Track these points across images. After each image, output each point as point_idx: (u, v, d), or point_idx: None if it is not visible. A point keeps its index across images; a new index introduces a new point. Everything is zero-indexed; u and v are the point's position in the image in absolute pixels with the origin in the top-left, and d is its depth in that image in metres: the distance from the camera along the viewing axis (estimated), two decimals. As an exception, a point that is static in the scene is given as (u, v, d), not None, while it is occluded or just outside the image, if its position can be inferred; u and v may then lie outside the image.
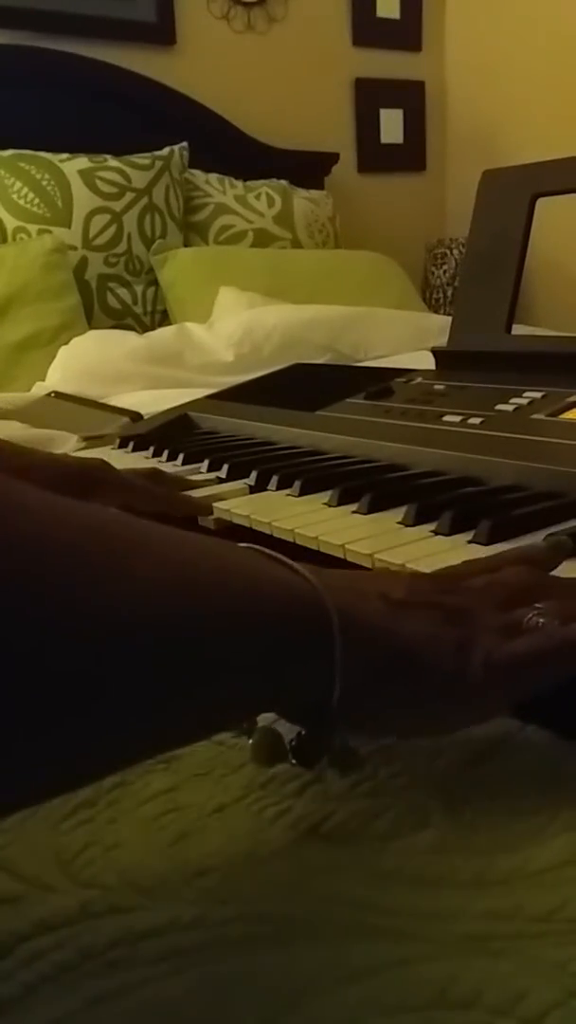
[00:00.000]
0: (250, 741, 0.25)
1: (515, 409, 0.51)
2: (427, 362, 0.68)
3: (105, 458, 0.46)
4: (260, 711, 0.23)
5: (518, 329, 0.65)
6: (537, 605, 0.25)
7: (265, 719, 0.25)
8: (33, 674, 0.16)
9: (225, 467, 0.52)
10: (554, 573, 0.30)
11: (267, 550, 0.23)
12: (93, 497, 0.42)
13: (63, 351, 1.23)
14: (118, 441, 0.67)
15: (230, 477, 0.51)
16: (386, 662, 0.22)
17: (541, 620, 0.25)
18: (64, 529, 0.17)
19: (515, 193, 0.65)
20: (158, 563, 0.19)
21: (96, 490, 0.43)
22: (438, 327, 1.32)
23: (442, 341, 0.70)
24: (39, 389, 1.16)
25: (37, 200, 1.43)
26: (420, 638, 0.23)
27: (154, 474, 0.48)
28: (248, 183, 1.68)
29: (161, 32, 1.66)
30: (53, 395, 1.07)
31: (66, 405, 1.00)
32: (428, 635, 0.23)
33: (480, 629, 0.24)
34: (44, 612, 0.16)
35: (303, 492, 0.45)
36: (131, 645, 0.17)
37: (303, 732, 0.24)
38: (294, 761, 0.24)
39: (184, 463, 0.57)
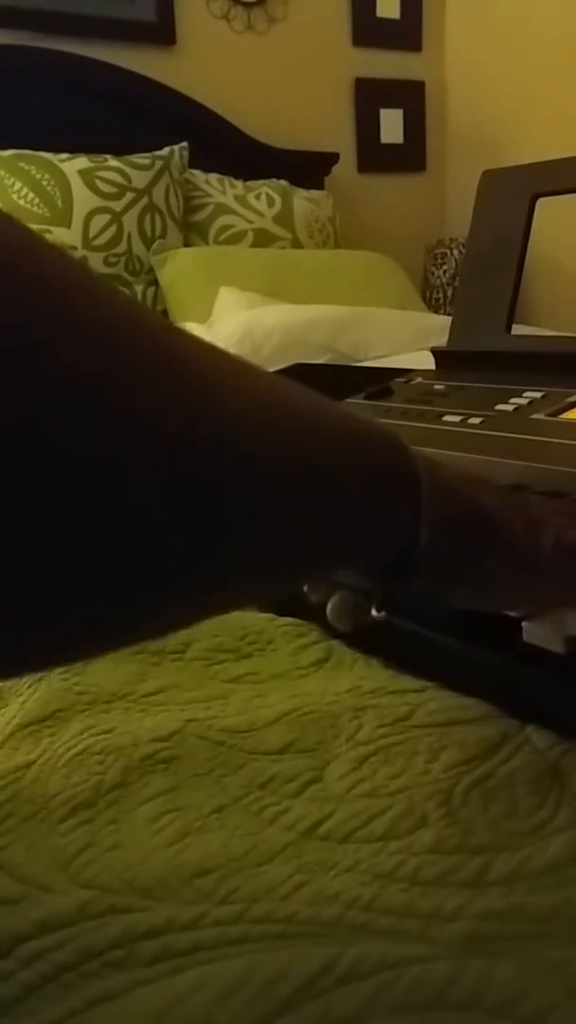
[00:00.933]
0: (330, 605, 0.25)
1: (515, 409, 0.51)
2: (427, 362, 0.68)
3: None
4: (351, 557, 0.22)
5: (518, 329, 0.65)
6: None
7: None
8: (151, 509, 0.14)
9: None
10: None
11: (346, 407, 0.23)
12: None
13: (63, 351, 1.23)
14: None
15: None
16: (465, 521, 0.23)
17: None
18: (180, 364, 0.16)
19: (515, 193, 0.65)
20: (263, 403, 0.18)
21: None
22: (438, 327, 1.32)
23: (442, 341, 0.70)
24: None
25: (37, 200, 1.43)
26: (498, 508, 0.24)
27: None
28: (248, 183, 1.68)
29: (161, 32, 1.66)
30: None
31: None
32: (505, 506, 0.24)
33: (551, 514, 0.25)
34: (163, 448, 0.14)
35: (303, 492, 0.45)
36: (243, 479, 0.16)
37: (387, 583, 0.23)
38: (377, 613, 0.24)
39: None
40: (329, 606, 0.25)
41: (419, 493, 0.22)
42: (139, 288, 1.53)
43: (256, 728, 0.28)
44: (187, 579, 0.16)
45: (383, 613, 0.24)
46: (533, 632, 0.27)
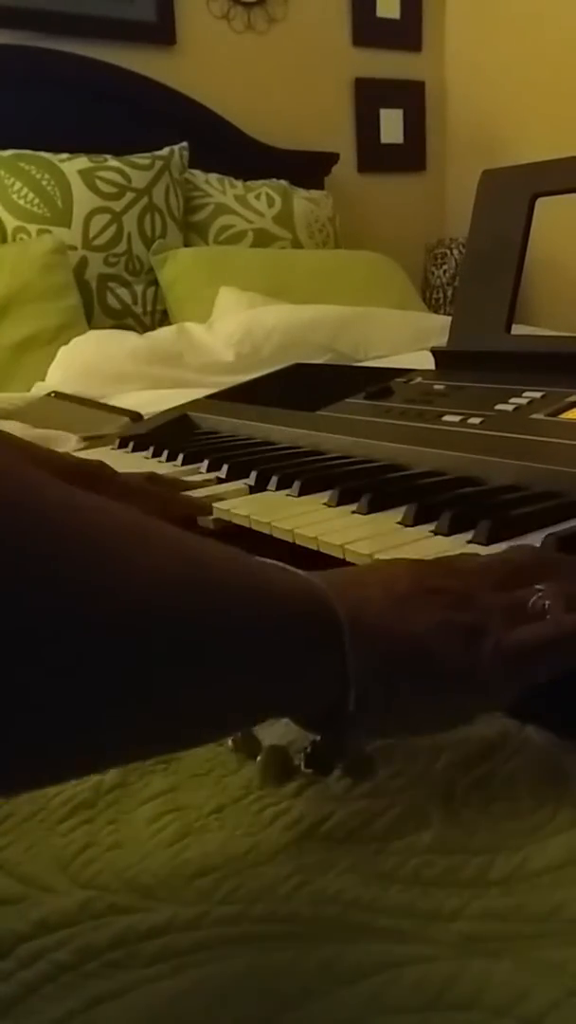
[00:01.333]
0: (257, 760, 0.25)
1: (515, 409, 0.51)
2: (427, 362, 0.68)
3: (105, 459, 0.46)
4: (272, 714, 0.23)
5: (518, 329, 0.65)
6: (538, 587, 0.25)
7: (270, 737, 0.25)
8: (43, 657, 0.16)
9: (225, 467, 0.52)
10: None
11: (280, 564, 0.23)
12: None
13: (63, 351, 1.23)
14: (118, 441, 0.67)
15: (230, 477, 0.51)
16: (397, 657, 0.22)
17: (547, 603, 0.24)
18: (80, 520, 0.18)
19: (515, 193, 0.65)
20: (169, 556, 0.19)
21: (94, 490, 0.43)
22: (438, 327, 1.32)
23: (442, 341, 0.70)
24: (39, 389, 1.16)
25: (37, 200, 1.43)
26: (429, 629, 0.23)
27: (151, 477, 0.48)
28: (248, 183, 1.68)
29: (161, 32, 1.66)
30: (53, 395, 1.07)
31: (66, 405, 1.00)
32: (437, 624, 0.23)
33: (487, 613, 0.24)
34: (57, 599, 0.16)
35: (303, 492, 0.45)
36: (139, 636, 0.17)
37: (317, 740, 0.23)
38: (309, 770, 0.24)
39: (184, 463, 0.57)
40: (256, 763, 0.25)
41: (342, 644, 0.21)
42: (139, 288, 1.53)
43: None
44: (100, 725, 0.17)
45: (310, 771, 0.24)
46: None
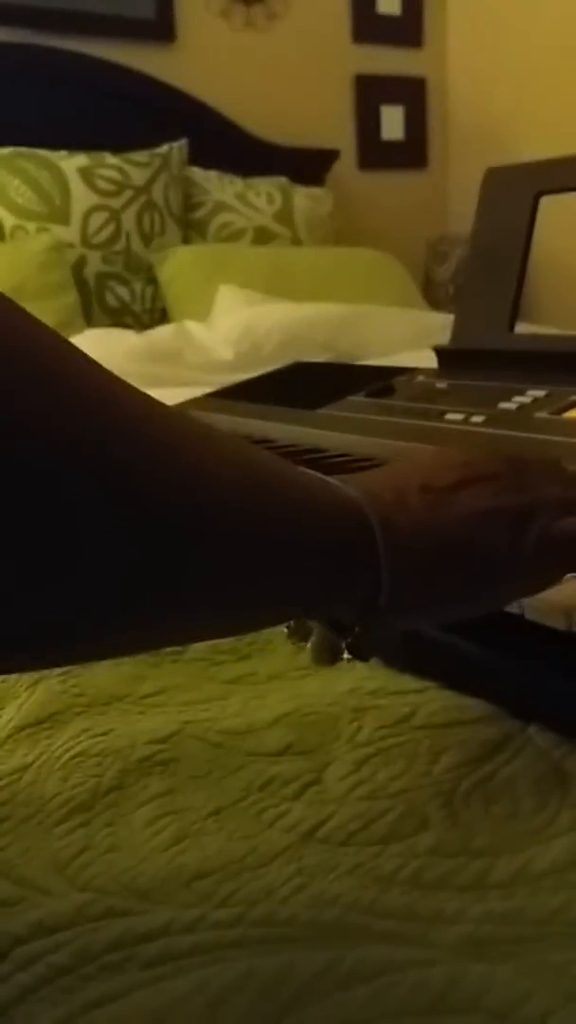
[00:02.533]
0: (309, 644, 0.25)
1: (518, 407, 0.51)
2: (429, 360, 0.67)
3: None
4: (317, 607, 0.23)
5: (521, 327, 0.65)
6: None
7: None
8: (118, 551, 0.17)
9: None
10: None
11: (312, 472, 0.23)
12: None
13: (63, 349, 1.23)
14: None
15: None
16: (434, 557, 0.23)
17: None
18: (157, 423, 0.18)
19: (518, 191, 0.65)
20: (227, 462, 0.20)
21: None
22: (440, 325, 1.32)
23: (444, 339, 0.70)
24: (39, 387, 1.15)
25: (35, 197, 1.43)
26: (473, 517, 0.23)
27: None
28: (248, 180, 1.67)
29: (160, 29, 1.66)
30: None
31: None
32: (484, 511, 0.23)
33: (538, 499, 0.24)
34: (130, 494, 0.17)
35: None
36: (202, 532, 0.18)
37: (357, 629, 0.24)
38: (348, 657, 0.24)
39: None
40: (308, 646, 0.25)
41: (376, 554, 0.22)
42: (138, 286, 1.53)
43: (255, 730, 0.28)
44: (152, 608, 0.18)
45: (351, 657, 0.24)
46: (533, 609, 0.27)
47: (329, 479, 0.23)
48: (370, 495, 0.22)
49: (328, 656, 0.25)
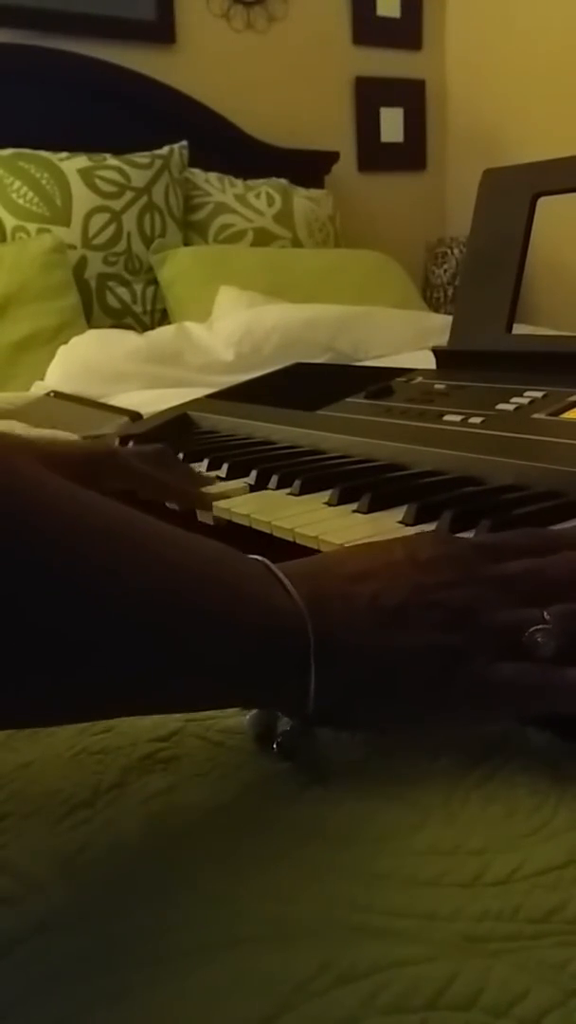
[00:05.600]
0: (246, 719, 0.26)
1: (516, 408, 0.51)
2: (428, 361, 0.68)
3: None
4: (243, 702, 0.25)
5: (519, 328, 0.65)
6: (546, 614, 0.24)
7: None
8: (48, 640, 0.19)
9: (225, 466, 0.52)
10: None
11: (273, 566, 0.24)
12: (97, 484, 0.43)
13: (62, 350, 1.23)
14: (117, 441, 0.67)
15: (230, 476, 0.51)
16: (368, 680, 0.23)
17: (542, 638, 0.23)
18: (78, 524, 0.20)
19: (516, 192, 0.65)
20: (151, 562, 0.21)
21: (100, 477, 0.43)
22: (439, 326, 1.32)
23: (443, 340, 0.70)
24: (38, 389, 1.16)
25: (36, 199, 1.43)
26: (410, 649, 0.23)
27: (161, 454, 0.48)
28: (248, 182, 1.67)
29: (161, 31, 1.66)
30: (52, 395, 1.07)
31: (65, 405, 1.00)
32: (418, 647, 0.23)
33: (478, 637, 0.23)
34: (58, 592, 0.19)
35: (303, 491, 0.45)
36: (121, 629, 0.20)
37: (290, 728, 0.24)
38: (275, 751, 0.25)
39: (184, 462, 0.57)
40: (246, 720, 0.26)
41: (307, 669, 0.22)
42: (138, 287, 1.53)
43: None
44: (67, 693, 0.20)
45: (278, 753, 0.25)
46: None
47: (271, 581, 0.23)
48: (316, 604, 0.23)
49: (259, 739, 0.25)
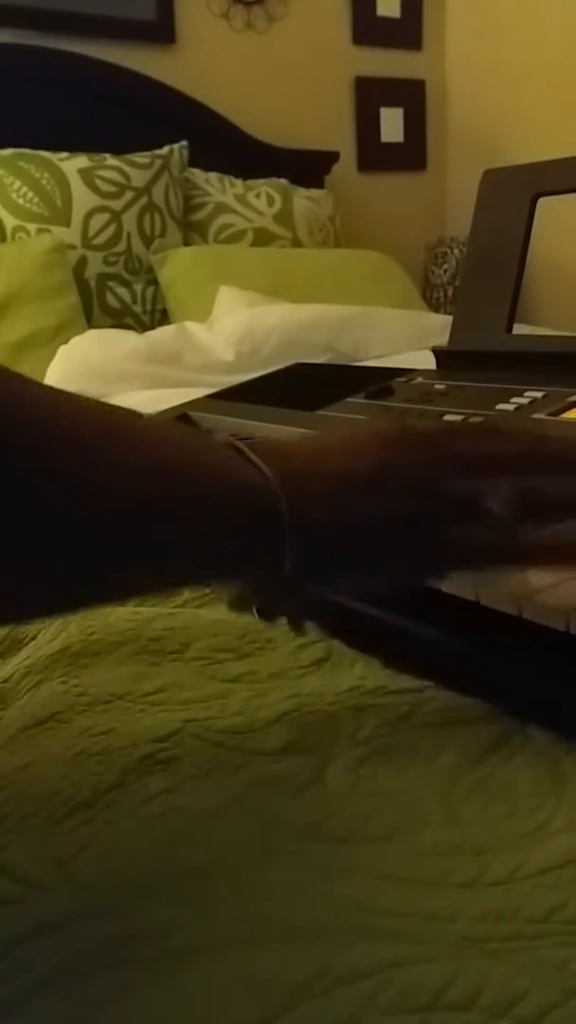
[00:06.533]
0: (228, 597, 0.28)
1: (516, 408, 0.51)
2: (428, 362, 0.68)
3: None
4: (227, 577, 0.27)
5: (519, 329, 0.65)
6: (499, 482, 0.26)
7: None
8: (56, 530, 0.21)
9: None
10: None
11: (243, 447, 0.25)
12: None
13: (62, 351, 1.23)
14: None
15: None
16: (336, 546, 0.25)
17: (494, 507, 0.25)
18: (56, 433, 0.21)
19: (516, 192, 0.65)
20: (142, 454, 0.23)
21: None
22: (439, 326, 1.32)
23: (443, 340, 0.70)
24: (39, 388, 1.15)
25: (36, 199, 1.43)
26: (374, 517, 0.25)
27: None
28: (248, 182, 1.67)
29: (161, 31, 1.66)
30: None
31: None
32: (385, 513, 0.25)
33: (437, 505, 0.25)
34: (56, 487, 0.21)
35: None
36: (118, 514, 0.22)
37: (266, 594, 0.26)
38: (256, 614, 0.27)
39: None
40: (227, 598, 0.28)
41: (281, 538, 0.23)
42: (138, 287, 1.53)
43: (255, 728, 0.28)
44: (74, 574, 0.22)
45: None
46: (532, 609, 0.28)
47: (246, 461, 0.24)
48: (287, 477, 0.24)
49: (240, 607, 0.28)
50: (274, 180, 1.70)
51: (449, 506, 0.25)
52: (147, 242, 1.53)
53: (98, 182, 1.48)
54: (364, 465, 0.25)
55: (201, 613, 0.38)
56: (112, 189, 1.48)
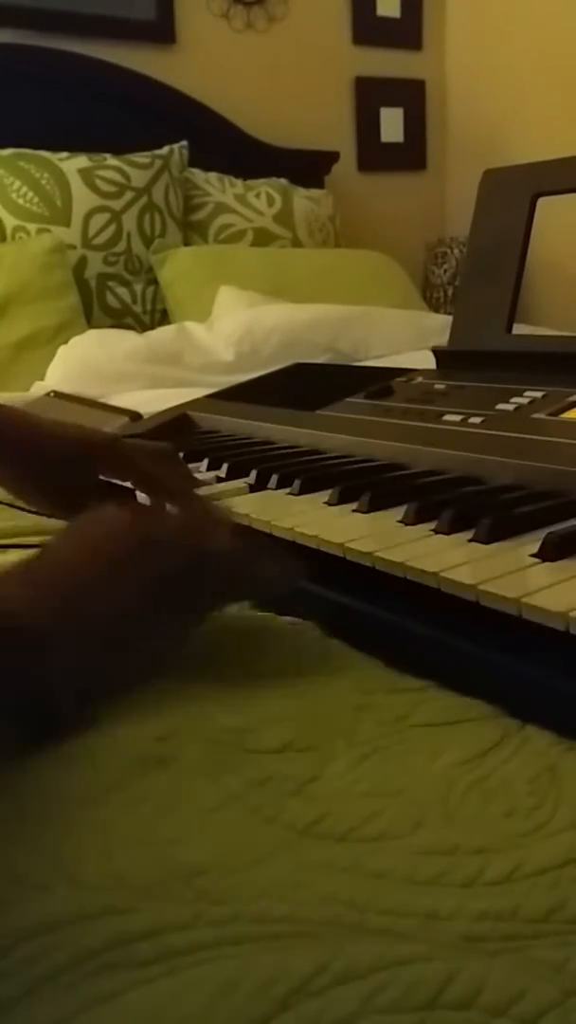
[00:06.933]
0: None
1: (516, 408, 0.51)
2: (428, 362, 0.68)
3: None
4: None
5: (519, 328, 0.65)
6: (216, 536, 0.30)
7: None
8: None
9: (224, 466, 0.52)
10: None
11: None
12: (89, 473, 0.44)
13: (62, 350, 1.23)
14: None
15: (229, 476, 0.51)
16: (106, 649, 0.27)
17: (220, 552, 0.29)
18: None
19: (516, 193, 0.65)
20: None
21: (94, 466, 0.44)
22: (438, 326, 1.32)
23: (442, 340, 0.70)
24: (38, 389, 1.16)
25: (36, 199, 1.43)
26: (130, 600, 0.27)
27: (164, 452, 0.48)
28: (248, 182, 1.67)
29: (160, 31, 1.66)
30: (52, 395, 1.07)
31: (65, 405, 1.00)
32: (139, 587, 0.27)
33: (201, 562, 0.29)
34: None
35: (303, 491, 0.45)
36: None
37: None
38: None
39: (185, 463, 0.57)
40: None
41: (41, 654, 0.24)
42: (138, 287, 1.53)
43: (255, 728, 0.28)
44: None
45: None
46: (532, 609, 0.28)
47: None
48: (38, 600, 0.25)
49: None
50: (274, 180, 1.70)
51: (192, 557, 0.28)
52: (147, 242, 1.53)
53: (98, 182, 1.48)
54: (103, 560, 0.27)
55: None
56: (112, 189, 1.48)
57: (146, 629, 0.27)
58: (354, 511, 0.41)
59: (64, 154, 1.48)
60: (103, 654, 0.26)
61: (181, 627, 0.29)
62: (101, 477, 0.45)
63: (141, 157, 1.54)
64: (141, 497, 0.48)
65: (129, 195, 1.50)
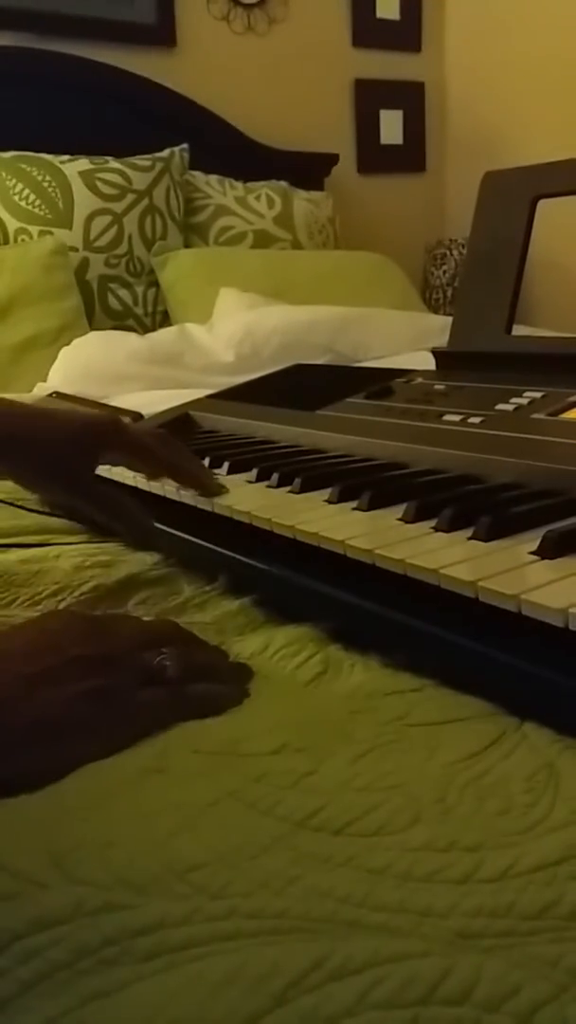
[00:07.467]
0: None
1: (515, 408, 0.51)
2: (427, 362, 0.68)
3: None
4: None
5: (518, 330, 0.65)
6: (163, 650, 0.31)
7: None
8: None
9: (225, 464, 0.52)
10: None
11: None
12: (95, 454, 0.44)
13: (64, 352, 1.23)
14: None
15: (230, 475, 0.51)
16: (32, 740, 0.27)
17: (166, 663, 0.30)
18: None
19: (516, 195, 0.65)
20: None
21: (99, 448, 0.44)
22: (438, 328, 1.32)
23: (442, 342, 0.70)
24: (40, 390, 1.16)
25: (38, 201, 1.44)
26: (65, 702, 0.27)
27: (165, 437, 0.48)
28: (248, 184, 1.68)
29: (161, 34, 1.67)
30: (54, 396, 1.07)
31: (67, 406, 1.00)
32: (68, 696, 0.27)
33: (118, 676, 0.28)
34: None
35: (303, 489, 0.45)
36: None
37: None
38: None
39: (187, 447, 0.57)
40: None
41: None
42: (140, 289, 1.53)
43: (250, 736, 0.28)
44: None
45: None
46: (531, 607, 0.27)
47: None
48: None
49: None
50: (274, 182, 1.71)
51: (130, 675, 0.29)
52: (148, 244, 1.53)
53: (99, 185, 1.48)
54: (43, 660, 0.28)
55: (197, 617, 0.38)
56: (113, 192, 1.49)
57: (71, 733, 0.27)
58: (354, 509, 0.41)
59: (66, 157, 1.48)
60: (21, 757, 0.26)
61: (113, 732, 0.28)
62: (100, 469, 0.45)
63: (142, 160, 1.55)
64: (139, 477, 0.48)
65: (130, 197, 1.51)
